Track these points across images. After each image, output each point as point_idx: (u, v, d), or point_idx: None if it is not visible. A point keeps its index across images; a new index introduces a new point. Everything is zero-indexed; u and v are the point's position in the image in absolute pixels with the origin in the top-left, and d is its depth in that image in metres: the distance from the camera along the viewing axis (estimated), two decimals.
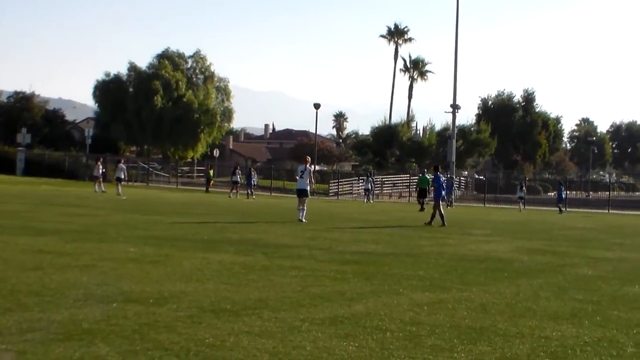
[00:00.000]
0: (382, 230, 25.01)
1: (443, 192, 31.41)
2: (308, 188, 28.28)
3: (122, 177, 48.03)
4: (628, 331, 8.82)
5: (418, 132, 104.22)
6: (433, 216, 29.12)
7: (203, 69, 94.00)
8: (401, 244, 20.02)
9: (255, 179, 59.61)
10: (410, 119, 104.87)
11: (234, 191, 55.93)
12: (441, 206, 29.75)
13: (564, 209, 52.66)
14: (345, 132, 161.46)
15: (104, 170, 51.03)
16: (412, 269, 14.01)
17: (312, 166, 30.39)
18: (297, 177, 28.95)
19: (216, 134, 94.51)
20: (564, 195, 54.86)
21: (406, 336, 7.97)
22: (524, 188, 59.06)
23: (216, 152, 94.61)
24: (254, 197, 55.10)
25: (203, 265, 13.16)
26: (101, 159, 50.75)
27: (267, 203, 46.87)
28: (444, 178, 30.58)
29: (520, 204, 56.58)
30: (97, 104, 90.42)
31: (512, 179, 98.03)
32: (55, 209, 28.25)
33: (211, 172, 67.80)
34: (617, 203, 69.49)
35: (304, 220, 26.78)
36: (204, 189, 65.53)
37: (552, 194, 63.28)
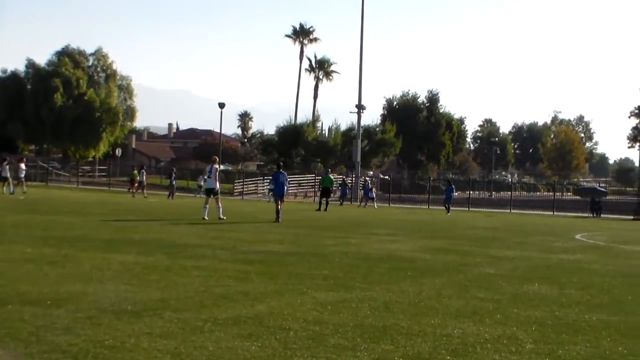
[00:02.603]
0: (286, 230, 25.02)
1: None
2: (217, 187, 29.09)
3: (22, 176, 47.22)
4: (527, 328, 9.00)
5: (323, 131, 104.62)
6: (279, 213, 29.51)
7: (105, 67, 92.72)
8: (306, 243, 20.08)
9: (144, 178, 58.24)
10: (315, 118, 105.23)
11: (139, 190, 55.32)
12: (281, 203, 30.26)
13: (447, 209, 52.70)
14: (251, 131, 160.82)
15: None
16: (316, 268, 14.05)
17: (219, 166, 30.82)
18: (205, 177, 29.62)
19: (118, 133, 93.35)
20: (453, 195, 55.14)
21: (309, 335, 7.98)
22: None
23: (119, 152, 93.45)
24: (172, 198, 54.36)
25: (103, 265, 12.98)
26: (7, 159, 49.37)
27: (170, 203, 46.45)
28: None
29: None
30: None
31: (417, 179, 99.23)
32: None
33: (135, 172, 63.22)
34: (519, 203, 70.85)
35: (222, 217, 28.09)
36: (116, 189, 63.26)
37: (456, 193, 64.13)
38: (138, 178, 57.10)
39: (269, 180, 57.99)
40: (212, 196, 28.97)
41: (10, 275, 11.41)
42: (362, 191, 63.37)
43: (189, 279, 11.83)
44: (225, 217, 28.27)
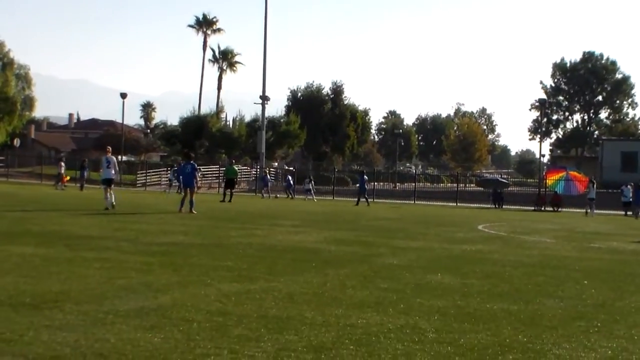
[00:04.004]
0: (191, 221, 24.88)
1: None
2: (115, 177, 29.93)
3: None
4: (429, 317, 9.12)
5: (228, 122, 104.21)
6: (183, 203, 29.76)
7: (1, 56, 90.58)
8: (210, 234, 20.02)
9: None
10: (220, 109, 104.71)
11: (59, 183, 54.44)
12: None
13: (364, 200, 52.12)
14: (154, 122, 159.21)
15: None
16: (220, 259, 14.02)
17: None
18: (104, 168, 29.76)
19: (17, 123, 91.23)
20: (366, 187, 54.57)
21: (213, 327, 7.96)
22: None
23: (17, 142, 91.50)
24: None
25: (1, 257, 12.74)
26: None
27: (72, 194, 45.67)
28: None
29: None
30: None
31: (322, 170, 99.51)
32: None
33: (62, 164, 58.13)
34: (423, 194, 71.56)
35: (115, 205, 28.57)
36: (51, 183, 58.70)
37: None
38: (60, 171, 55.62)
39: (171, 172, 57.46)
40: (109, 186, 29.26)
41: None
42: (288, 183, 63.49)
43: (90, 270, 11.68)
44: (116, 206, 28.69)
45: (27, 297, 9.10)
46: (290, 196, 60.82)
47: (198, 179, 31.44)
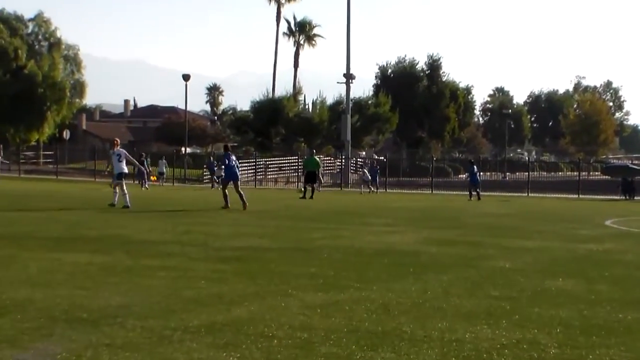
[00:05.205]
0: (267, 222, 25.05)
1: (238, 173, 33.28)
2: (125, 170, 31.48)
3: None
4: (550, 330, 9.02)
5: (307, 106, 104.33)
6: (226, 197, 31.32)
7: (47, 35, 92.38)
8: (289, 237, 20.09)
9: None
10: (297, 91, 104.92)
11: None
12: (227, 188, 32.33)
13: (475, 194, 51.69)
14: (221, 107, 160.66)
15: None
16: (302, 265, 14.09)
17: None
18: (115, 162, 31.44)
19: (66, 112, 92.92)
20: (478, 178, 53.79)
21: (296, 344, 8.00)
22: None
23: (66, 134, 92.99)
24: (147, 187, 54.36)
25: (53, 267, 12.98)
26: None
27: (141, 194, 46.25)
28: (234, 158, 32.62)
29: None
30: None
31: (418, 159, 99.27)
32: None
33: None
34: (538, 185, 70.95)
35: (129, 205, 29.69)
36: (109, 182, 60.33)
37: (464, 175, 64.03)
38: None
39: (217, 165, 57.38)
40: (123, 180, 30.84)
41: None
42: (365, 176, 63.16)
43: (154, 280, 11.84)
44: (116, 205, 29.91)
45: (83, 312, 9.26)
46: (373, 190, 60.44)
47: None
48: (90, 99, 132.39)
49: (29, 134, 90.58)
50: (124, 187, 30.45)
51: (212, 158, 66.59)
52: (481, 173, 73.79)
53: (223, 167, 34.13)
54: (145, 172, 56.50)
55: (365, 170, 63.10)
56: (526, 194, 64.60)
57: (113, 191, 30.76)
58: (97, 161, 75.55)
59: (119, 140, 33.65)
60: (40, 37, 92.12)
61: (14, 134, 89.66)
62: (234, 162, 32.54)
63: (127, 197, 29.91)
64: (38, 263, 13.34)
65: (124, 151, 32.14)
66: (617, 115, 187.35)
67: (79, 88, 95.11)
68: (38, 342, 7.75)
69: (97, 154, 79.08)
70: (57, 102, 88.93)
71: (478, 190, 52.18)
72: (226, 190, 31.96)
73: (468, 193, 52.13)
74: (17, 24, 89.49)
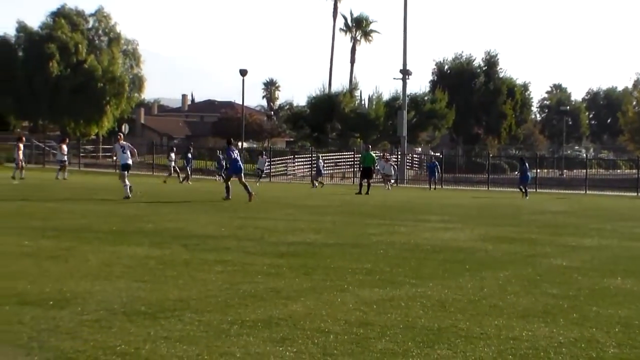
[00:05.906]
0: (323, 217, 25.06)
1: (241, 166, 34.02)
2: (129, 162, 32.49)
3: (21, 158, 47.54)
4: (609, 330, 8.96)
5: (363, 102, 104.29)
6: (228, 189, 32.27)
7: (107, 30, 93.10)
8: (345, 232, 20.10)
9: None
10: (353, 86, 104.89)
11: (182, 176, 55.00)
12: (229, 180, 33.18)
13: (526, 192, 50.86)
14: (278, 102, 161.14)
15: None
16: (358, 261, 14.09)
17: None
18: (119, 154, 32.83)
19: (125, 106, 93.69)
20: (529, 175, 52.96)
21: (352, 339, 8.02)
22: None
23: (125, 128, 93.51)
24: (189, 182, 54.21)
25: (112, 260, 13.10)
26: (23, 139, 50.36)
27: (185, 187, 46.61)
28: (237, 151, 33.34)
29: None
30: None
31: (474, 156, 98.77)
32: None
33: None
34: (596, 182, 70.36)
35: (130, 196, 30.61)
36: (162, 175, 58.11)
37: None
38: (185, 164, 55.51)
39: (222, 158, 56.47)
40: (127, 172, 31.90)
41: (6, 271, 11.55)
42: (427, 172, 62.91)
43: (211, 274, 11.91)
44: (130, 196, 30.52)
45: (142, 305, 9.35)
46: (433, 187, 60.26)
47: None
48: (149, 94, 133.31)
49: (88, 128, 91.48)
50: (126, 179, 31.17)
51: (219, 152, 65.04)
52: (538, 170, 73.34)
53: (224, 160, 34.89)
54: (187, 167, 55.47)
55: (388, 164, 61.16)
56: (584, 192, 64.05)
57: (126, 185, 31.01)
58: (155, 155, 75.92)
59: (122, 135, 35.82)
60: (100, 32, 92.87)
61: (73, 127, 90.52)
62: (237, 156, 33.39)
63: (128, 189, 30.66)
64: (97, 256, 13.48)
65: (128, 144, 33.30)
66: None
67: (137, 82, 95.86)
68: (97, 335, 7.84)
69: (155, 148, 79.32)
70: (116, 97, 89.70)
71: (526, 187, 51.56)
72: (229, 182, 32.74)
73: (522, 191, 51.23)
74: (77, 19, 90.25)
